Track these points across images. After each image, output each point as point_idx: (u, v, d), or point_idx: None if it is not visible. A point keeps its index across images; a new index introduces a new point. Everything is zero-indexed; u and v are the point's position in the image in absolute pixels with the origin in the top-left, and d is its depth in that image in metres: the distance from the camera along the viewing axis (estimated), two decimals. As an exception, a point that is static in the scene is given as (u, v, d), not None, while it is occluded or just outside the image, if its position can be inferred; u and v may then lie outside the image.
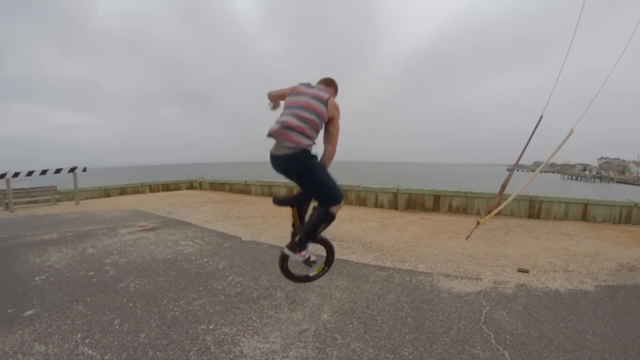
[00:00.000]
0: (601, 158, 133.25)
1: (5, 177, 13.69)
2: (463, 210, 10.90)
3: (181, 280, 5.12)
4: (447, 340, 3.45)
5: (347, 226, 8.67)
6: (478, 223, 6.89)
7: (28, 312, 4.27)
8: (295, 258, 3.77)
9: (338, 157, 3.96)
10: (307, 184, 3.70)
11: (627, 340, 3.69)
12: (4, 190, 14.14)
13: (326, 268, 4.19)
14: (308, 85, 3.72)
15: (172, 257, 6.23)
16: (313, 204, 3.97)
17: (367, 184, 13.08)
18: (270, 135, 3.43)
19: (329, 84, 3.92)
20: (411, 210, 11.32)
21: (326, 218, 3.72)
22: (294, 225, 4.13)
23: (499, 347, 3.41)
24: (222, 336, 3.56)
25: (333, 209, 3.69)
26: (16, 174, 13.94)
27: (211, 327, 3.72)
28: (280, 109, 3.75)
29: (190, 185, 20.01)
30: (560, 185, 73.54)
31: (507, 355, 3.30)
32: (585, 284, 5.20)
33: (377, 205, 12.15)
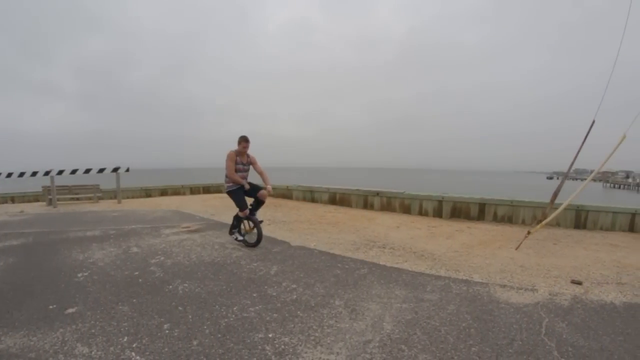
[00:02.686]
0: None
1: (50, 174, 14.30)
2: (509, 220, 10.72)
3: (233, 285, 5.07)
4: (512, 352, 3.41)
5: (395, 234, 8.62)
6: (529, 233, 6.78)
7: (70, 310, 4.26)
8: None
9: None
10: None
11: None
12: (49, 186, 14.78)
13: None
14: None
15: (221, 260, 6.28)
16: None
17: (411, 191, 13.03)
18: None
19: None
20: (456, 219, 11.26)
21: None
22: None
23: (562, 359, 3.36)
24: (283, 346, 3.47)
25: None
26: (60, 172, 14.56)
27: (270, 335, 3.62)
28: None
29: None
30: (602, 194, 71.95)
31: None
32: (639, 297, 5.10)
33: (422, 213, 12.08)
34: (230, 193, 7.01)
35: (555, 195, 7.21)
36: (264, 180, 7.16)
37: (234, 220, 7.38)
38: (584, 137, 6.91)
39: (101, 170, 15.44)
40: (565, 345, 3.57)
